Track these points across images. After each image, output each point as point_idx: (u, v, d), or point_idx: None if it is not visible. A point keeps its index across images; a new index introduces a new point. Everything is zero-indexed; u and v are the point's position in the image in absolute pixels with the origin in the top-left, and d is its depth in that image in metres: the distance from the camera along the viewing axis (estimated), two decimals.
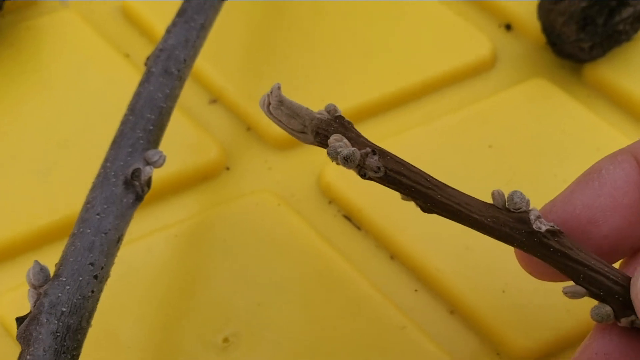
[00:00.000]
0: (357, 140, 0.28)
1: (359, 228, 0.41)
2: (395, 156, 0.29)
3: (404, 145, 0.44)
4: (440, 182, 0.29)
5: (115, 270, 0.37)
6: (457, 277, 0.39)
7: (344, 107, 0.45)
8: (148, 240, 0.40)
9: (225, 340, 0.37)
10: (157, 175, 0.41)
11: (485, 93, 0.46)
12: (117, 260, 0.35)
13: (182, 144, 0.43)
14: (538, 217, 0.29)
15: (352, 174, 0.42)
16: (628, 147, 0.32)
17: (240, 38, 0.48)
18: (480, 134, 0.44)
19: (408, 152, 0.43)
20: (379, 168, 0.28)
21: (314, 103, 0.45)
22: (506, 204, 0.30)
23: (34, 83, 0.46)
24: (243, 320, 0.37)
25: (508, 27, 0.49)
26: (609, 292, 0.29)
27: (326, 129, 0.28)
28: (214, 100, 0.46)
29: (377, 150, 0.28)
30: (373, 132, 0.45)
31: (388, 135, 0.44)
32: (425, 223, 0.40)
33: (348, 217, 0.42)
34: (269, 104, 0.29)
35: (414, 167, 0.29)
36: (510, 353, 0.37)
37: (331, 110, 0.29)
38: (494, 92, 0.46)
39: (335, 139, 0.28)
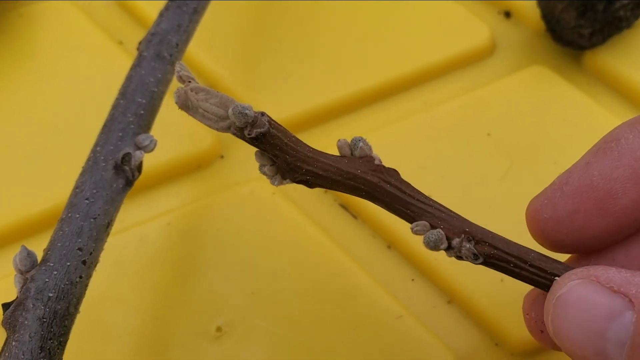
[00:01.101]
0: (292, 152, 0.28)
1: (355, 217, 0.41)
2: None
3: (403, 132, 0.43)
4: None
5: (107, 259, 0.37)
6: (454, 267, 0.38)
7: (342, 95, 0.45)
8: (140, 229, 0.40)
9: (219, 329, 0.36)
10: (151, 163, 0.40)
11: (484, 80, 0.46)
12: (109, 248, 0.35)
13: (176, 132, 0.43)
14: (380, 160, 0.29)
15: None
16: None
17: (234, 25, 0.47)
18: (479, 121, 0.44)
19: (406, 140, 0.43)
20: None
21: (310, 90, 0.45)
22: (353, 152, 0.29)
23: (26, 70, 0.46)
24: (236, 310, 0.37)
25: (507, 14, 0.49)
26: (445, 222, 0.29)
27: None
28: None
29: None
30: (371, 120, 0.44)
31: (387, 123, 0.44)
32: None
33: (344, 206, 0.41)
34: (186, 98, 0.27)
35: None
36: (508, 343, 0.37)
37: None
38: (493, 80, 0.46)
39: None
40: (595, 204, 0.30)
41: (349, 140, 0.29)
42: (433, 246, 0.29)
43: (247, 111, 0.27)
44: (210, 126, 0.28)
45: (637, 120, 0.31)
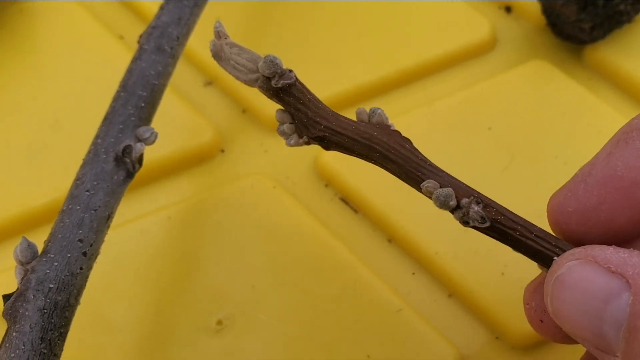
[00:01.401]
0: (313, 111, 0.29)
1: (355, 211, 0.41)
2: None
3: (403, 127, 0.43)
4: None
5: (108, 253, 0.37)
6: (455, 260, 0.38)
7: (343, 89, 0.45)
8: (141, 222, 0.40)
9: (219, 322, 0.36)
10: (152, 157, 0.40)
11: (485, 75, 0.46)
12: (109, 242, 0.35)
13: (177, 126, 0.43)
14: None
15: (348, 156, 0.41)
16: None
17: (235, 19, 0.47)
18: (479, 116, 0.44)
19: (407, 134, 0.43)
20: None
21: (310, 85, 0.44)
22: (371, 119, 0.30)
23: (27, 65, 0.46)
24: (237, 303, 0.37)
25: (508, 9, 0.49)
26: (455, 186, 0.29)
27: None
28: (209, 83, 0.46)
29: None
30: None
31: (388, 116, 0.43)
32: (424, 206, 0.40)
33: (345, 200, 0.41)
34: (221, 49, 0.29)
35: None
36: (509, 337, 0.37)
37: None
38: (493, 74, 0.46)
39: None
40: (621, 194, 0.29)
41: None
42: (443, 201, 0.29)
43: (277, 61, 0.28)
44: (238, 77, 0.29)
45: None
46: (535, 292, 0.31)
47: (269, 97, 0.29)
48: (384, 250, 0.40)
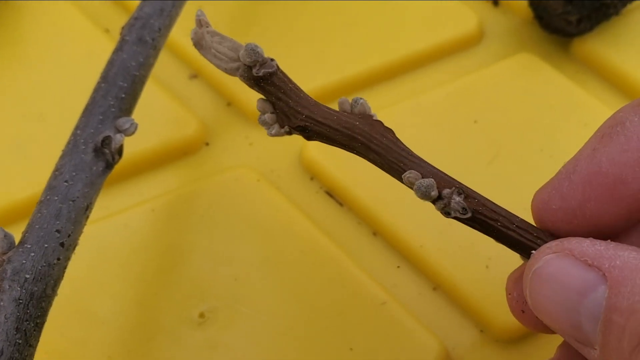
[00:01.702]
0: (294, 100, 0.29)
1: (341, 204, 0.41)
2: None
3: (389, 119, 0.42)
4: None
5: (91, 246, 0.37)
6: (440, 253, 0.38)
7: (329, 81, 0.44)
8: (125, 215, 0.39)
9: (202, 315, 0.36)
10: (136, 149, 0.40)
11: (472, 68, 0.46)
12: (92, 235, 0.34)
13: (162, 119, 0.43)
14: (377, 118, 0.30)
15: (333, 150, 0.41)
16: None
17: (221, 11, 0.47)
18: (466, 109, 0.43)
19: (393, 127, 0.42)
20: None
21: (296, 77, 0.44)
22: (353, 109, 0.30)
23: (12, 57, 0.45)
24: (220, 296, 0.37)
25: (495, 1, 0.49)
26: (437, 176, 0.29)
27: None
28: (194, 75, 0.45)
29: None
30: None
31: (374, 109, 0.43)
32: (409, 199, 0.40)
33: (330, 194, 0.41)
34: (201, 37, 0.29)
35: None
36: (493, 330, 0.37)
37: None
38: (480, 67, 0.46)
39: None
40: (606, 191, 0.29)
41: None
42: (424, 191, 0.28)
43: (258, 49, 0.28)
44: (219, 66, 0.29)
45: (639, 102, 0.30)
46: (517, 282, 0.30)
47: (250, 87, 0.29)
48: (369, 243, 0.40)
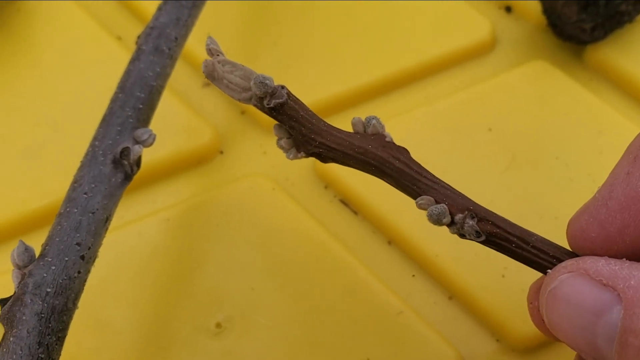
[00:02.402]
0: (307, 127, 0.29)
1: (355, 213, 0.41)
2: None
3: (403, 127, 0.43)
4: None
5: (106, 255, 0.37)
6: (455, 262, 0.38)
7: (342, 89, 0.44)
8: (140, 225, 0.39)
9: (218, 325, 0.36)
10: (150, 158, 0.40)
11: (485, 75, 0.46)
12: (108, 244, 0.34)
13: (175, 127, 0.43)
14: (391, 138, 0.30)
15: None
16: None
17: (234, 20, 0.47)
18: (479, 116, 0.43)
19: (407, 135, 0.43)
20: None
21: (309, 85, 0.44)
22: (366, 129, 0.30)
23: (25, 66, 0.45)
24: (236, 305, 0.37)
25: (508, 9, 0.48)
26: (450, 199, 0.29)
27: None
28: (207, 84, 0.45)
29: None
30: (372, 114, 0.44)
31: (387, 117, 0.43)
32: None
33: (345, 202, 0.41)
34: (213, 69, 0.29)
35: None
36: (510, 339, 0.37)
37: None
38: (494, 75, 0.46)
39: None
40: None
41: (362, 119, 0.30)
42: (436, 219, 0.29)
43: (267, 81, 0.28)
44: (233, 97, 0.29)
45: None
46: (538, 292, 0.30)
47: (265, 114, 0.30)
48: (384, 252, 0.39)
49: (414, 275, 0.39)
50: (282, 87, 0.29)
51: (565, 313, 0.27)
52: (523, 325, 0.36)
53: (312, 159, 0.42)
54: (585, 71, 0.46)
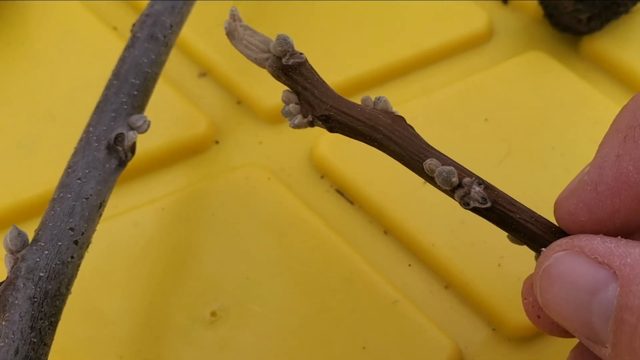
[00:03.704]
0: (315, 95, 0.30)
1: (351, 203, 0.41)
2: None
3: None
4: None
5: (101, 244, 0.37)
6: (451, 252, 0.38)
7: (340, 79, 0.44)
8: (135, 214, 0.39)
9: (213, 314, 0.36)
10: (146, 148, 0.40)
11: (482, 66, 0.46)
12: (102, 233, 0.34)
13: (171, 117, 0.42)
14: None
15: (344, 148, 0.41)
16: None
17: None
18: (476, 107, 0.43)
19: None
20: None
21: None
22: (376, 106, 0.30)
23: (21, 57, 0.45)
24: (231, 295, 0.37)
25: (505, 0, 0.48)
26: (457, 168, 0.29)
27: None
28: (203, 74, 0.45)
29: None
30: None
31: (392, 105, 0.43)
32: (420, 197, 0.40)
33: (341, 192, 0.41)
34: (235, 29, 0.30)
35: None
36: (506, 328, 0.36)
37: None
38: (490, 65, 0.45)
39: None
40: (634, 201, 0.28)
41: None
42: (445, 177, 0.28)
43: (289, 40, 0.29)
44: (249, 56, 0.30)
45: None
46: (532, 287, 0.30)
47: (277, 78, 0.30)
48: (380, 241, 0.39)
49: (410, 265, 0.39)
50: (301, 52, 0.30)
51: (560, 291, 0.26)
52: (519, 314, 0.36)
53: (307, 149, 0.42)
54: (582, 62, 0.46)
